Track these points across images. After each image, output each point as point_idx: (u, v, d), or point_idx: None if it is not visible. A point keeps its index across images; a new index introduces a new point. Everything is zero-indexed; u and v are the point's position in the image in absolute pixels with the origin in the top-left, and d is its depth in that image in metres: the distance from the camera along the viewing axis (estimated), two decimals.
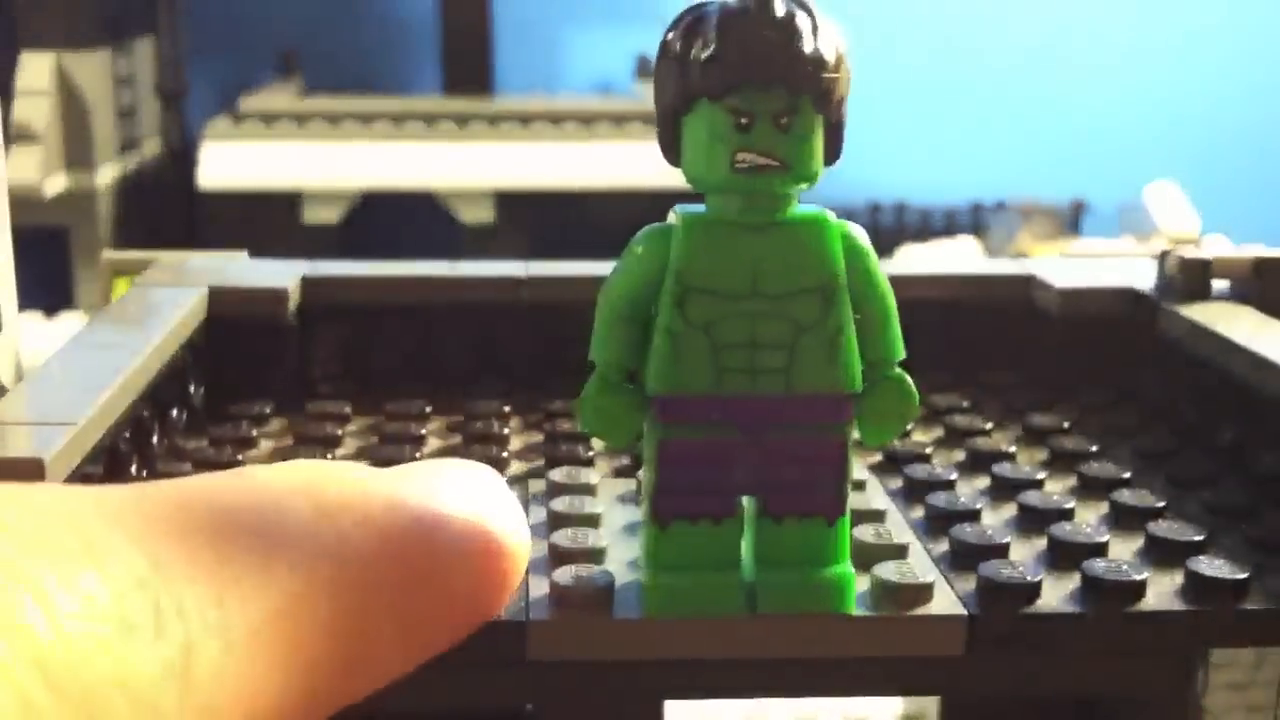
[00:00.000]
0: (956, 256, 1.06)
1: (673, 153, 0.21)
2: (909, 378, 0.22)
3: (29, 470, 0.21)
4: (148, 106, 1.15)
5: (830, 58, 0.20)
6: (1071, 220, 1.34)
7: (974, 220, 1.37)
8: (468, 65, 1.21)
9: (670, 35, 0.20)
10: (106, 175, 1.05)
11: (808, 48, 0.19)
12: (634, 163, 1.03)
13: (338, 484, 0.16)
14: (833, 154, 0.21)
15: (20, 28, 0.99)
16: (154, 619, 0.13)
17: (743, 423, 0.21)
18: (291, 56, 1.23)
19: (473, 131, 1.05)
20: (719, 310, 0.20)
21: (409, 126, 1.05)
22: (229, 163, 1.01)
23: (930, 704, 0.37)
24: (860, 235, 0.21)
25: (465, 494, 0.18)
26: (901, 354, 0.22)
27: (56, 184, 1.00)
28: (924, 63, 1.32)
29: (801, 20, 0.19)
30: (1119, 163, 1.36)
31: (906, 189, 1.37)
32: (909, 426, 0.31)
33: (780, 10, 0.19)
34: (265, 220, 1.00)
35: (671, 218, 0.21)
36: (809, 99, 0.20)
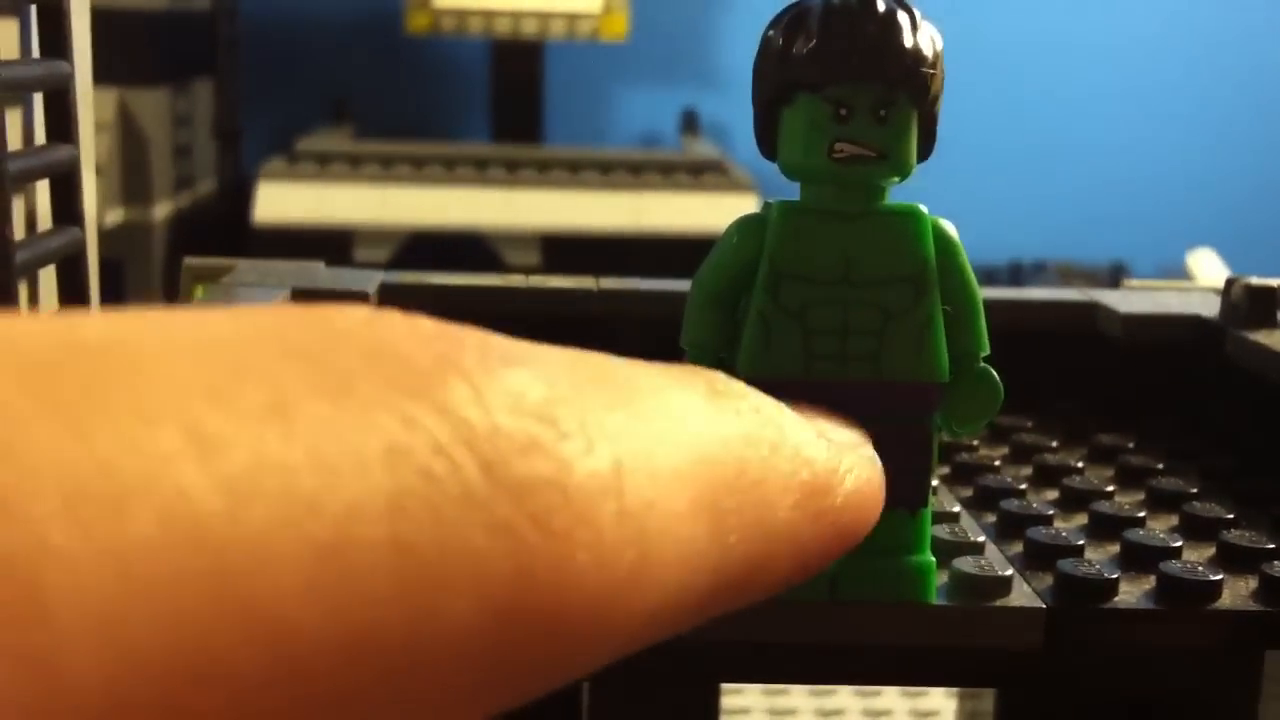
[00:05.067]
0: None
1: (768, 145, 0.22)
2: (994, 372, 0.22)
3: None
4: (203, 145, 1.17)
5: (928, 54, 0.20)
6: (1111, 282, 1.35)
7: (1012, 280, 1.37)
8: (518, 116, 1.23)
9: (772, 31, 0.21)
10: (162, 210, 1.06)
11: (907, 43, 0.20)
12: (678, 211, 1.05)
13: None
14: (925, 150, 0.21)
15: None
16: (583, 431, 0.12)
17: (830, 409, 0.21)
18: (344, 102, 1.25)
19: (521, 177, 1.06)
20: (811, 296, 0.21)
21: (459, 171, 1.07)
22: (283, 201, 1.03)
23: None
24: (951, 229, 0.22)
25: None
26: (987, 348, 0.22)
27: (114, 217, 1.02)
28: (964, 121, 1.33)
29: (901, 17, 0.20)
30: (1160, 227, 1.36)
31: None
32: (975, 441, 0.32)
33: (881, 6, 0.20)
34: (317, 257, 1.01)
35: (764, 207, 0.22)
36: (906, 93, 0.20)
